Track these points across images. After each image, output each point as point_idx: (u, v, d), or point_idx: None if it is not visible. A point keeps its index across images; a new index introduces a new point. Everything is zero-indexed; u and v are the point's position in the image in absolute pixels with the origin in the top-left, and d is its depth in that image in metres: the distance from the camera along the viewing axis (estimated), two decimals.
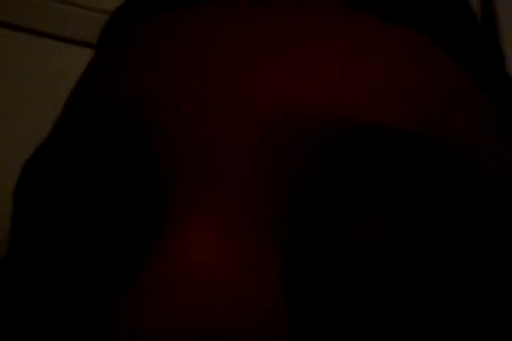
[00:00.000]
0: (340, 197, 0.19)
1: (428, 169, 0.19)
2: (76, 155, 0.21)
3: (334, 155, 0.19)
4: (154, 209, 0.19)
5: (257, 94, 0.19)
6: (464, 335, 0.19)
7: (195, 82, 0.19)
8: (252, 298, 0.17)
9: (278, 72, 0.19)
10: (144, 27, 0.22)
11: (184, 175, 0.19)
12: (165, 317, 0.16)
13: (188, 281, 0.16)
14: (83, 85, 0.23)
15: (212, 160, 0.18)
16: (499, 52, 0.26)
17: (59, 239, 0.21)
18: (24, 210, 0.22)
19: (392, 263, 0.19)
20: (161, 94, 0.20)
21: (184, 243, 0.17)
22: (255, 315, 0.17)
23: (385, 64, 0.20)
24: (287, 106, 0.19)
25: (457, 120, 0.21)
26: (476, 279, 0.19)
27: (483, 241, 0.20)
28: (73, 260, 0.20)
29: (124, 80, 0.21)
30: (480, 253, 0.19)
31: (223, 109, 0.19)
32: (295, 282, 0.18)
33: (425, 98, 0.20)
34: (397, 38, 0.21)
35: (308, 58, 0.20)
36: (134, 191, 0.20)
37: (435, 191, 0.19)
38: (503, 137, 0.23)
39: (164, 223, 0.18)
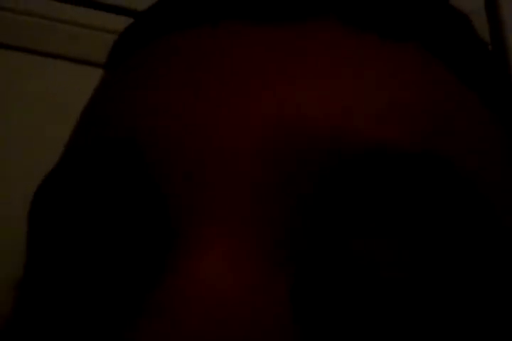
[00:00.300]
0: (346, 210, 0.19)
1: (431, 185, 0.19)
2: (87, 179, 0.21)
3: (335, 174, 0.19)
4: (165, 229, 0.19)
5: (257, 106, 0.19)
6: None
7: (193, 99, 0.20)
8: (263, 322, 0.17)
9: (279, 84, 0.20)
10: (151, 49, 0.23)
11: (195, 199, 0.19)
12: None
13: (201, 305, 0.17)
14: (92, 108, 0.24)
15: (217, 179, 0.19)
16: (504, 68, 0.26)
17: (73, 262, 0.21)
18: (38, 235, 0.22)
19: (398, 277, 0.19)
20: (167, 116, 0.20)
21: (195, 266, 0.18)
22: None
23: (385, 81, 0.20)
24: (287, 124, 0.19)
25: (457, 135, 0.21)
26: (478, 292, 0.19)
27: (486, 258, 0.20)
28: (88, 283, 0.20)
29: (130, 104, 0.21)
30: (483, 269, 0.20)
31: (226, 119, 0.19)
32: (305, 299, 0.19)
33: (426, 115, 0.20)
34: (397, 54, 0.21)
35: (308, 70, 0.20)
36: (144, 210, 0.20)
37: (438, 206, 0.19)
38: (504, 152, 0.23)
39: (176, 251, 0.18)
